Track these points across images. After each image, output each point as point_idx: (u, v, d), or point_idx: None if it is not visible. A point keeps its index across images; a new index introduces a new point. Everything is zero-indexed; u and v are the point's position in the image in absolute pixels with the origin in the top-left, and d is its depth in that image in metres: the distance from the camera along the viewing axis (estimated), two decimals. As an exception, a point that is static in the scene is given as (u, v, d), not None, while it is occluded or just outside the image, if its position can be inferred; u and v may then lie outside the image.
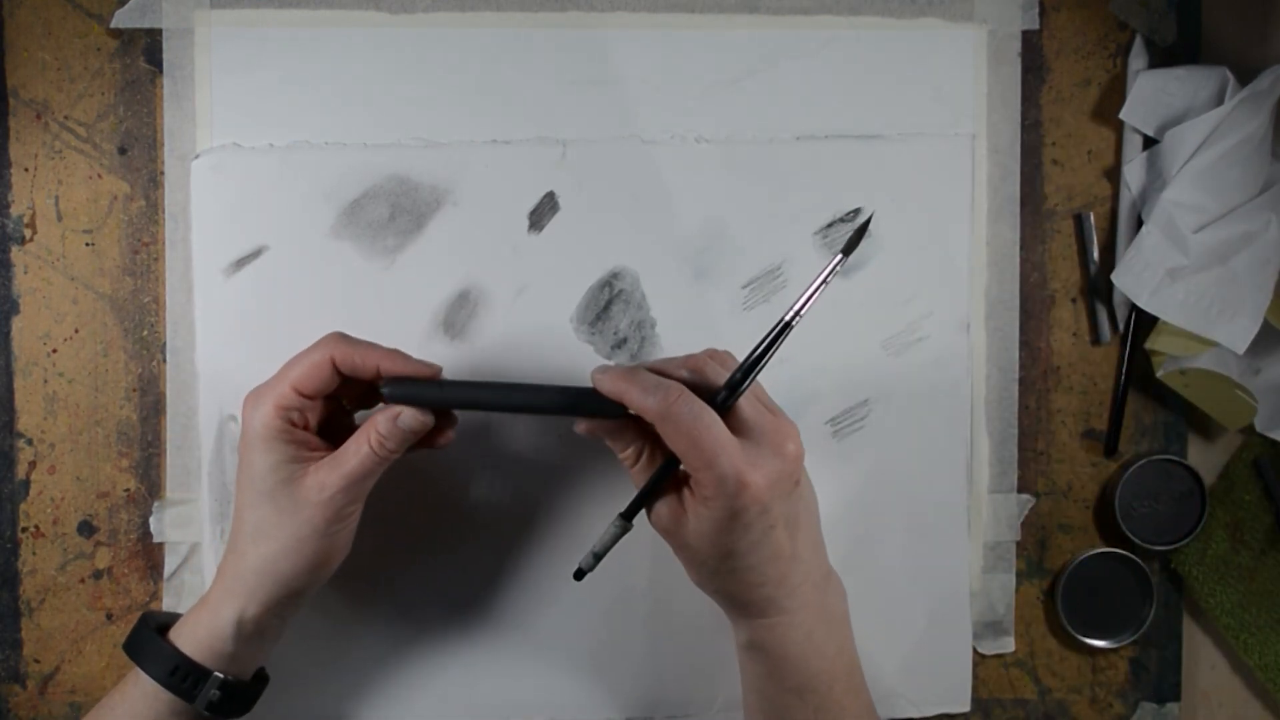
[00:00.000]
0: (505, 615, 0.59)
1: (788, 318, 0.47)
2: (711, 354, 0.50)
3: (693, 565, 0.49)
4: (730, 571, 0.48)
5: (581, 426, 0.50)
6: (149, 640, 0.49)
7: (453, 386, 0.50)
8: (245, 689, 0.50)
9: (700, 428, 0.45)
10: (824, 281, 0.47)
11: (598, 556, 0.49)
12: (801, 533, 0.48)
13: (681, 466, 0.47)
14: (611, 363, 0.49)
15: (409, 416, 0.48)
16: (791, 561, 0.48)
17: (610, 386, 0.47)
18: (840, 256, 0.47)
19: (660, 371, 0.48)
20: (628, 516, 0.49)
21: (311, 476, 0.48)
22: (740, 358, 0.48)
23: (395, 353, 0.49)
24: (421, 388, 0.49)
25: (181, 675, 0.48)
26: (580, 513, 0.58)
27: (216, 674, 0.48)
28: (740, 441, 0.46)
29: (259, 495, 0.49)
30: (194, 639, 0.49)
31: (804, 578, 0.49)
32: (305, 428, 0.50)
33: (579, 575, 0.50)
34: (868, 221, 0.49)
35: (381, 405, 0.50)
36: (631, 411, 0.47)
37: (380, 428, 0.48)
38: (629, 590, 0.59)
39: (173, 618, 0.51)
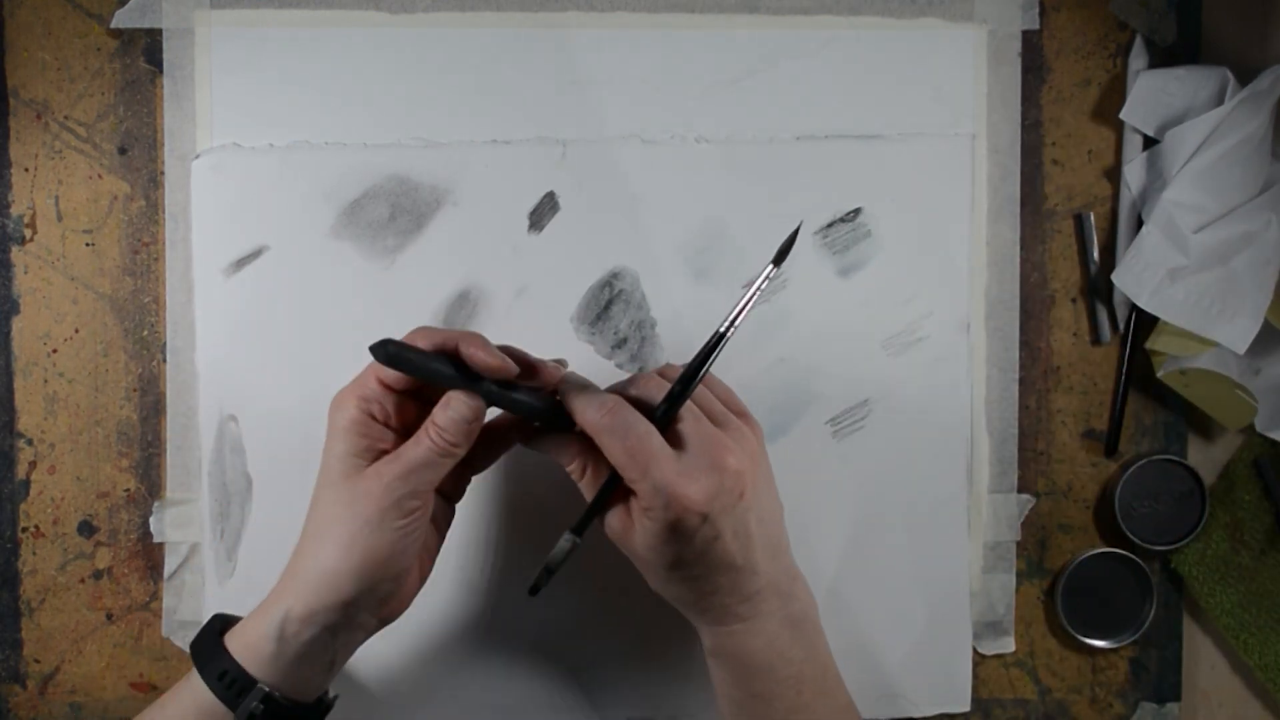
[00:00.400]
0: (505, 616, 0.59)
1: (722, 329, 0.48)
2: (664, 370, 0.51)
3: (646, 572, 0.50)
4: (682, 580, 0.48)
5: (527, 442, 0.50)
6: (209, 641, 0.48)
7: (436, 360, 0.46)
8: (294, 710, 0.47)
9: (634, 439, 0.45)
10: (759, 290, 0.48)
11: (550, 571, 0.49)
12: (755, 543, 0.48)
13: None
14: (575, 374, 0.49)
15: (458, 403, 0.46)
16: (744, 572, 0.48)
17: (565, 398, 0.48)
18: (771, 266, 0.48)
19: (614, 389, 0.48)
20: (578, 531, 0.49)
21: (372, 467, 0.46)
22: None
23: (473, 335, 0.47)
24: (404, 349, 0.45)
25: (228, 681, 0.46)
26: (579, 511, 0.58)
27: (262, 685, 0.46)
28: (677, 454, 0.46)
29: (325, 487, 0.47)
30: (243, 641, 0.47)
31: (762, 586, 0.48)
32: (388, 424, 0.48)
33: (533, 591, 0.50)
34: (797, 231, 0.50)
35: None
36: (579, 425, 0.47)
37: (437, 418, 0.46)
38: (629, 590, 0.59)
39: (236, 620, 0.49)
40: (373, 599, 0.47)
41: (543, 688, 0.59)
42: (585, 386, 0.48)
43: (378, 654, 0.58)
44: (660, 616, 0.59)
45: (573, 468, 0.49)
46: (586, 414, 0.46)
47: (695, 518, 0.45)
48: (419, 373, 0.45)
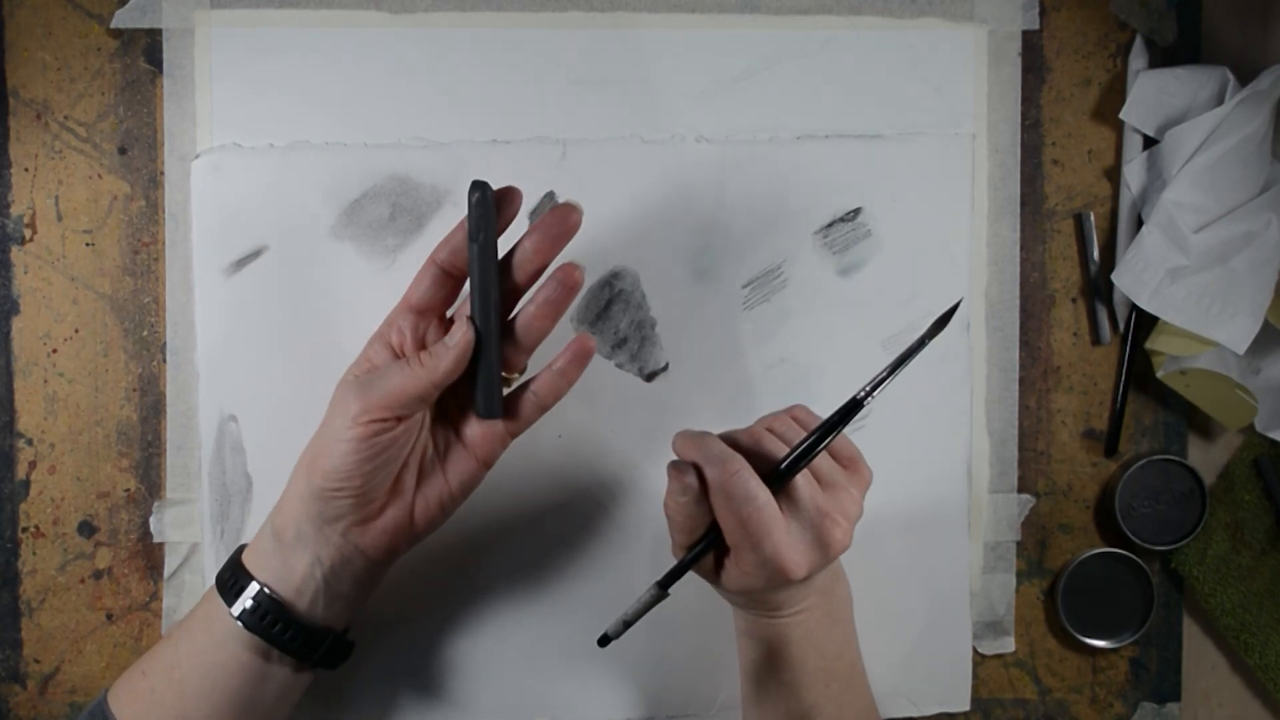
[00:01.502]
0: (505, 615, 0.59)
1: (859, 396, 0.46)
2: (795, 413, 0.50)
3: (718, 592, 0.50)
4: (742, 594, 0.49)
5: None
6: (230, 559, 0.50)
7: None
8: (294, 621, 0.47)
9: (751, 509, 0.44)
10: (905, 361, 0.46)
11: (628, 624, 0.48)
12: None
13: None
14: (695, 429, 0.48)
15: (456, 331, 0.47)
16: (802, 584, 0.48)
17: (679, 449, 0.48)
18: (925, 339, 0.46)
19: (730, 440, 0.47)
20: (664, 585, 0.48)
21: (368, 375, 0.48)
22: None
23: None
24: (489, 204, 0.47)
25: (229, 578, 0.48)
26: (579, 512, 0.59)
27: (255, 582, 0.48)
28: (787, 521, 0.46)
29: (338, 385, 0.49)
30: (251, 548, 0.49)
31: (812, 588, 0.49)
32: (399, 353, 0.49)
33: (604, 641, 0.49)
34: (956, 306, 0.47)
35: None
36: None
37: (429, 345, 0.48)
38: (628, 590, 0.59)
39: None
40: (327, 506, 0.47)
41: (541, 687, 0.59)
42: (704, 438, 0.47)
43: (375, 650, 0.58)
44: (662, 616, 0.59)
45: (685, 500, 0.47)
46: (707, 471, 0.46)
47: (788, 581, 0.46)
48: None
